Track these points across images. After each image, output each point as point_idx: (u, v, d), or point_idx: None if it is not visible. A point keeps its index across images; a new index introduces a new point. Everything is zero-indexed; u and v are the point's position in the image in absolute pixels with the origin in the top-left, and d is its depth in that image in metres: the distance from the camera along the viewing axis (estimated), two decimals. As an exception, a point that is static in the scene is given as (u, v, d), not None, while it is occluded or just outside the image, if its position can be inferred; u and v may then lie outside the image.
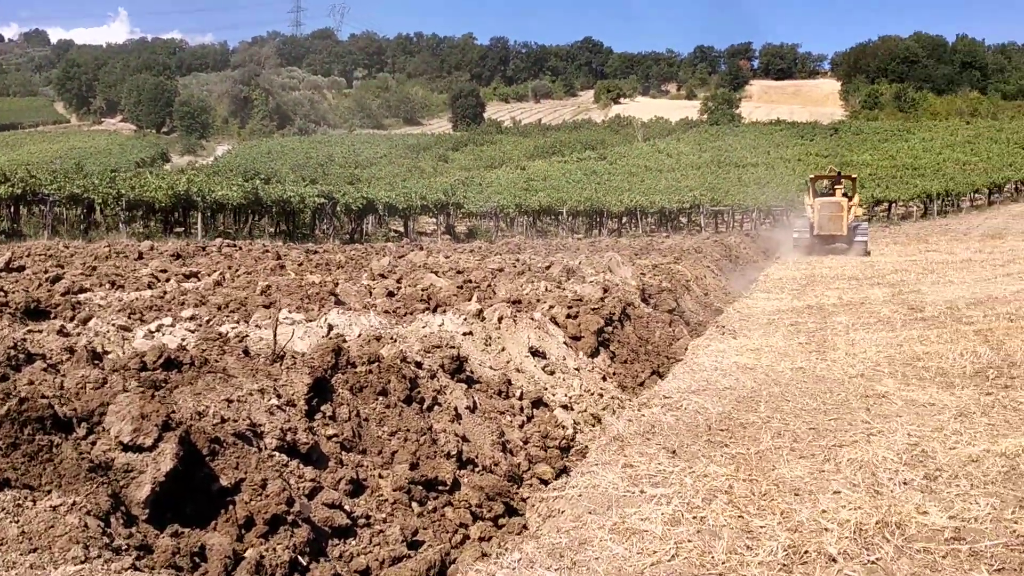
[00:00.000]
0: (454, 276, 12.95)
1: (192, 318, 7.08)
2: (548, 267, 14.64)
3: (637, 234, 33.83)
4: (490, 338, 7.33)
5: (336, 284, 11.51)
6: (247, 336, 6.42)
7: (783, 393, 6.36)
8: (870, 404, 5.95)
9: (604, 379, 8.39)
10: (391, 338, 6.67)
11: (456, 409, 5.78)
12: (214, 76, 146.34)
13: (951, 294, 13.28)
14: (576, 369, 8.04)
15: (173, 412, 3.55)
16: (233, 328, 6.83)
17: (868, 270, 18.91)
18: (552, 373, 7.64)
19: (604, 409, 7.50)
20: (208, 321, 7.16)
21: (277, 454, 4.03)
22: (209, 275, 11.95)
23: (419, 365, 5.93)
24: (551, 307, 9.34)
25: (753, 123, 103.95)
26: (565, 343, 8.45)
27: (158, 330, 6.63)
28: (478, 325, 7.39)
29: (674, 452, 4.69)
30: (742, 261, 25.21)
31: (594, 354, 8.87)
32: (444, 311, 9.13)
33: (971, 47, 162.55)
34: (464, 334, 7.09)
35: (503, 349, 7.29)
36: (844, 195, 27.96)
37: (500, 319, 7.69)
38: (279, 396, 4.36)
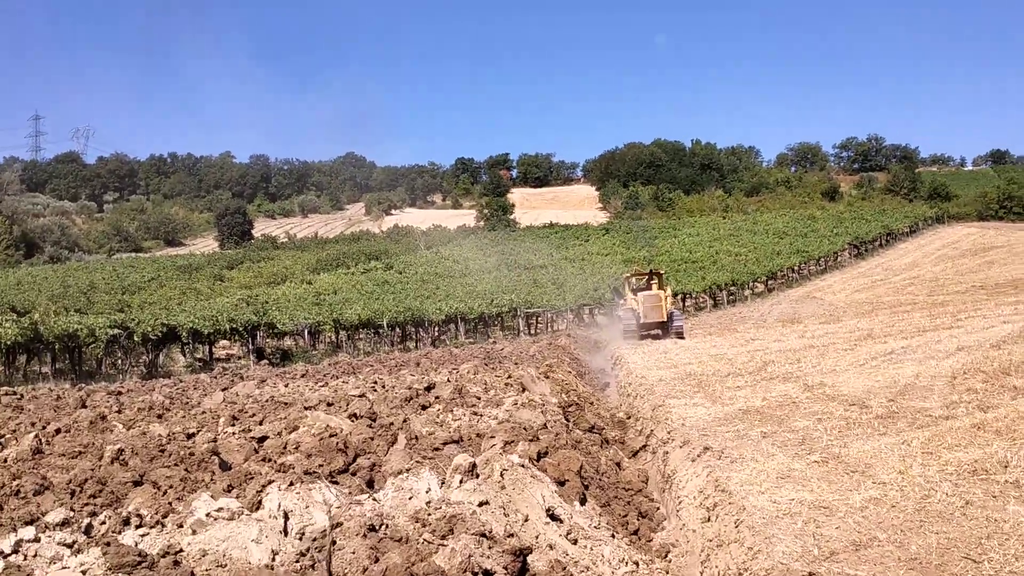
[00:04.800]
0: (329, 409, 10.61)
1: (65, 523, 4.55)
2: (429, 388, 12.56)
3: (460, 342, 32.04)
4: (504, 505, 5.28)
5: (190, 437, 8.94)
6: (180, 551, 4.06)
7: (939, 548, 4.79)
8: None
9: (612, 536, 6.51)
10: (379, 523, 4.52)
11: (557, 639, 3.74)
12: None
13: (858, 384, 12.58)
14: (590, 528, 6.11)
15: None
16: (142, 536, 4.39)
17: (728, 365, 18.22)
18: (575, 542, 5.67)
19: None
20: (88, 526, 4.63)
21: None
22: (14, 439, 8.89)
23: (489, 575, 3.84)
24: (507, 443, 7.39)
25: (529, 227, 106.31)
26: (555, 492, 6.52)
27: (16, 551, 4.11)
28: (487, 488, 5.31)
29: None
30: (582, 363, 24.26)
31: (583, 500, 6.98)
32: (373, 468, 6.97)
33: (707, 150, 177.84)
34: (480, 504, 5.01)
35: (527, 519, 5.25)
36: (659, 288, 31.51)
37: (502, 474, 5.65)
38: None
